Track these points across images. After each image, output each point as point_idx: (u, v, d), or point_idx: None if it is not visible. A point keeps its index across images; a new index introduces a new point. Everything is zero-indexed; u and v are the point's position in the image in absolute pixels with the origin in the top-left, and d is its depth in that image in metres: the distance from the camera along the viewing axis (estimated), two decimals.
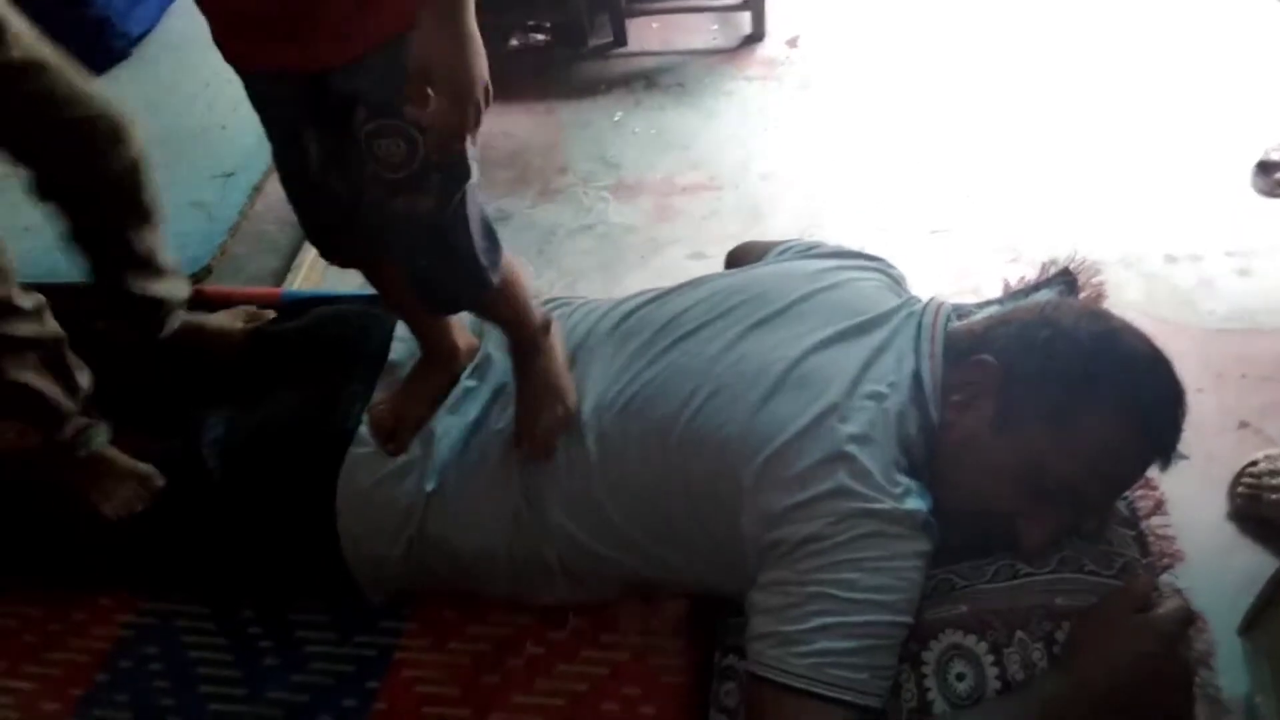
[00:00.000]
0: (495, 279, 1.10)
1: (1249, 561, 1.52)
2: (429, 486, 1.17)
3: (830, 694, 0.91)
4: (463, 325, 1.29)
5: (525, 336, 1.19)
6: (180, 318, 1.45)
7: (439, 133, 0.90)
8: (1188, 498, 1.60)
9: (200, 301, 1.51)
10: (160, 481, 1.27)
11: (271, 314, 1.45)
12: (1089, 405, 0.98)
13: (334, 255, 1.20)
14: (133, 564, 1.27)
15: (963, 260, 2.12)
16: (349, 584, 1.21)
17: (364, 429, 1.21)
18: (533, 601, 1.20)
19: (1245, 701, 1.32)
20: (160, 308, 1.43)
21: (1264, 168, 2.20)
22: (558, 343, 1.22)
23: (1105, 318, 1.04)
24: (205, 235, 1.87)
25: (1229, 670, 1.38)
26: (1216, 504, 1.62)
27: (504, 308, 1.16)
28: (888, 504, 0.95)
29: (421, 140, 0.93)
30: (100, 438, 1.28)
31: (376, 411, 1.22)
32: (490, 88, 0.91)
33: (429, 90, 0.87)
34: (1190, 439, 1.67)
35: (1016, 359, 1.02)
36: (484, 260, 1.07)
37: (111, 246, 1.36)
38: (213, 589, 1.28)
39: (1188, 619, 0.91)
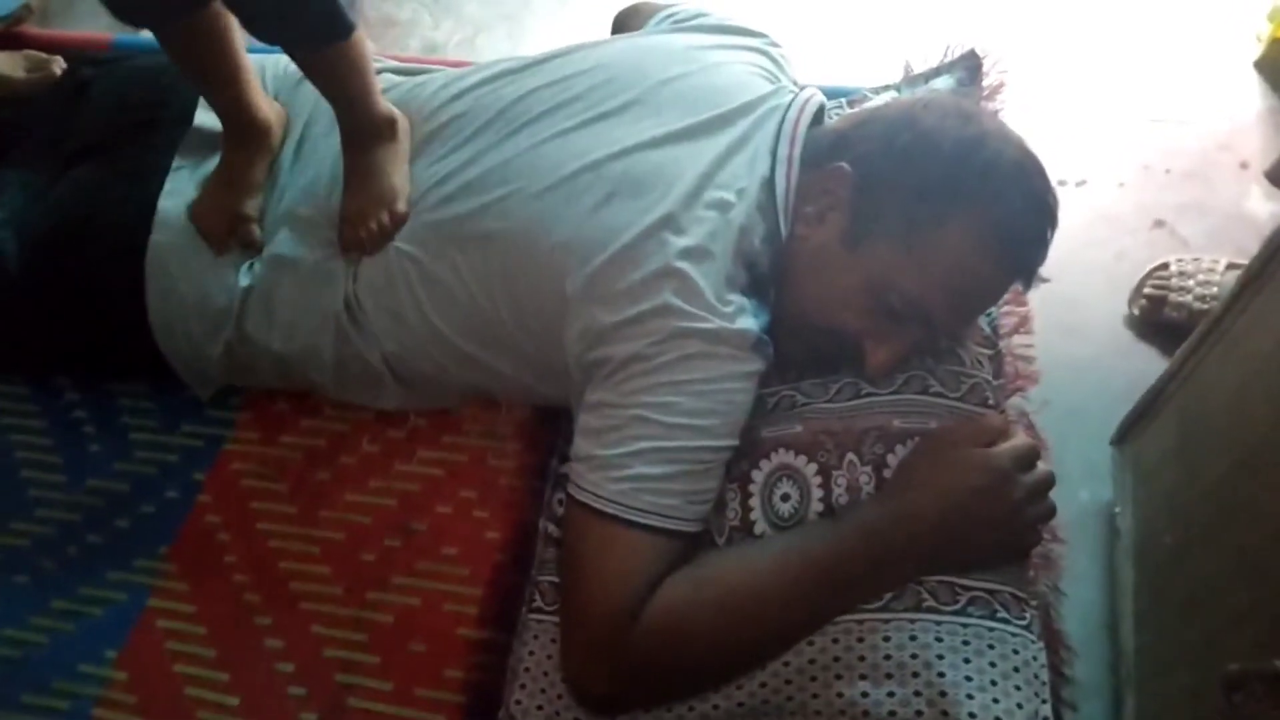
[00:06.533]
0: (355, 19, 0.96)
1: (1140, 367, 1.47)
2: (243, 283, 1.07)
3: (641, 520, 0.87)
4: (268, 94, 1.14)
5: (364, 122, 1.05)
6: None
7: None
8: (1089, 296, 1.56)
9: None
10: None
11: (60, 61, 1.27)
12: (943, 218, 0.89)
13: (126, 9, 1.02)
14: None
15: None
16: (173, 377, 1.14)
17: (166, 212, 1.08)
18: (370, 406, 1.14)
19: (1106, 512, 1.32)
20: None
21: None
22: (403, 140, 1.08)
23: (975, 120, 0.92)
24: None
25: (1097, 478, 1.39)
26: (1117, 304, 1.56)
27: (352, 76, 1.02)
28: (715, 323, 0.88)
29: None
30: None
31: (200, 214, 1.08)
32: None
33: None
34: (1102, 235, 1.63)
35: (872, 165, 0.92)
36: None
37: None
38: (28, 364, 1.21)
39: (1028, 458, 0.87)
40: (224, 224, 1.08)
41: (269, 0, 0.93)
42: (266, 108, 1.10)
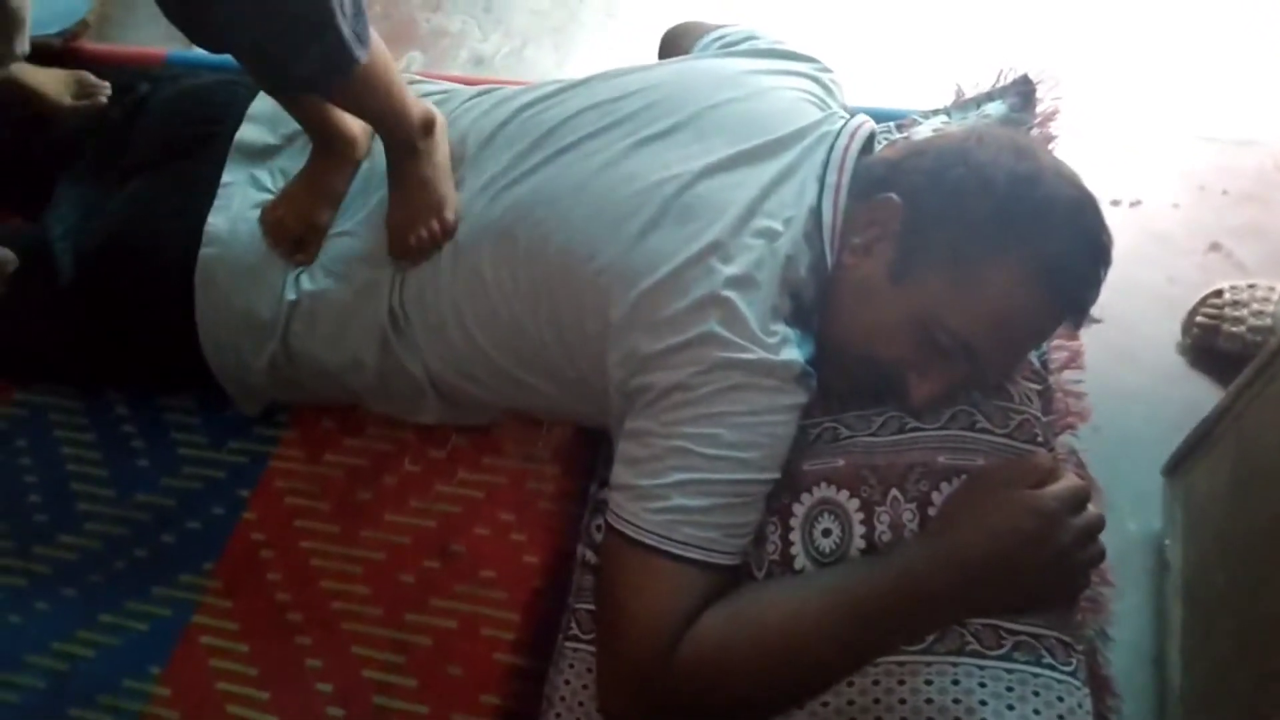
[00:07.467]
0: (362, 55, 0.93)
1: (1193, 395, 1.44)
2: (290, 296, 1.08)
3: (679, 552, 0.86)
4: None
5: (399, 136, 1.05)
6: (5, 71, 1.24)
7: None
8: (1142, 320, 1.52)
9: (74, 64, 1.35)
10: (13, 266, 1.14)
11: (107, 89, 1.28)
12: (993, 256, 0.87)
13: (199, 34, 1.04)
14: None
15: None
16: (220, 392, 1.15)
17: (216, 227, 1.08)
18: (410, 420, 1.14)
19: (1155, 543, 1.29)
20: None
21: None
22: (441, 143, 1.08)
23: (1030, 155, 0.90)
24: None
25: (1146, 508, 1.35)
26: (1170, 329, 1.52)
27: (370, 99, 1.01)
28: (758, 354, 0.87)
29: None
30: None
31: (273, 215, 1.09)
32: None
33: None
34: (1155, 257, 1.60)
35: (923, 198, 0.90)
36: (346, 29, 0.89)
37: None
38: (81, 377, 1.24)
39: (1078, 499, 0.84)
40: (295, 229, 1.09)
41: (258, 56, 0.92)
42: (352, 121, 1.11)
